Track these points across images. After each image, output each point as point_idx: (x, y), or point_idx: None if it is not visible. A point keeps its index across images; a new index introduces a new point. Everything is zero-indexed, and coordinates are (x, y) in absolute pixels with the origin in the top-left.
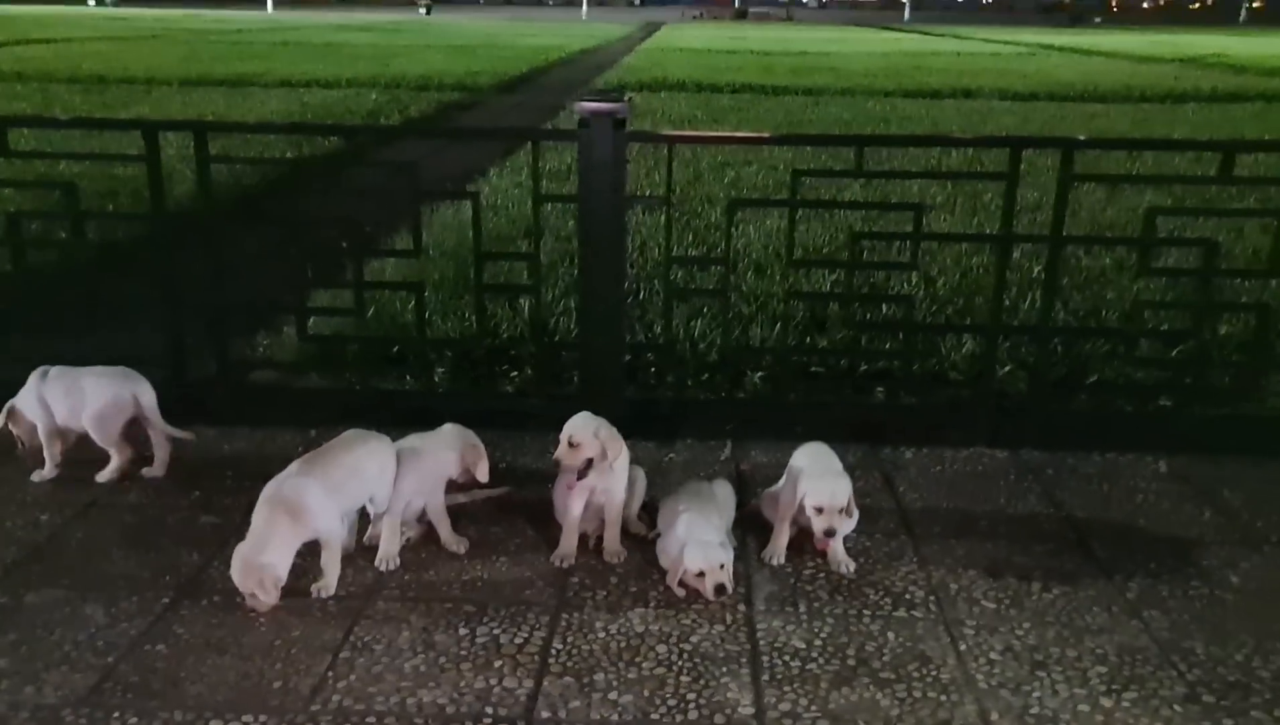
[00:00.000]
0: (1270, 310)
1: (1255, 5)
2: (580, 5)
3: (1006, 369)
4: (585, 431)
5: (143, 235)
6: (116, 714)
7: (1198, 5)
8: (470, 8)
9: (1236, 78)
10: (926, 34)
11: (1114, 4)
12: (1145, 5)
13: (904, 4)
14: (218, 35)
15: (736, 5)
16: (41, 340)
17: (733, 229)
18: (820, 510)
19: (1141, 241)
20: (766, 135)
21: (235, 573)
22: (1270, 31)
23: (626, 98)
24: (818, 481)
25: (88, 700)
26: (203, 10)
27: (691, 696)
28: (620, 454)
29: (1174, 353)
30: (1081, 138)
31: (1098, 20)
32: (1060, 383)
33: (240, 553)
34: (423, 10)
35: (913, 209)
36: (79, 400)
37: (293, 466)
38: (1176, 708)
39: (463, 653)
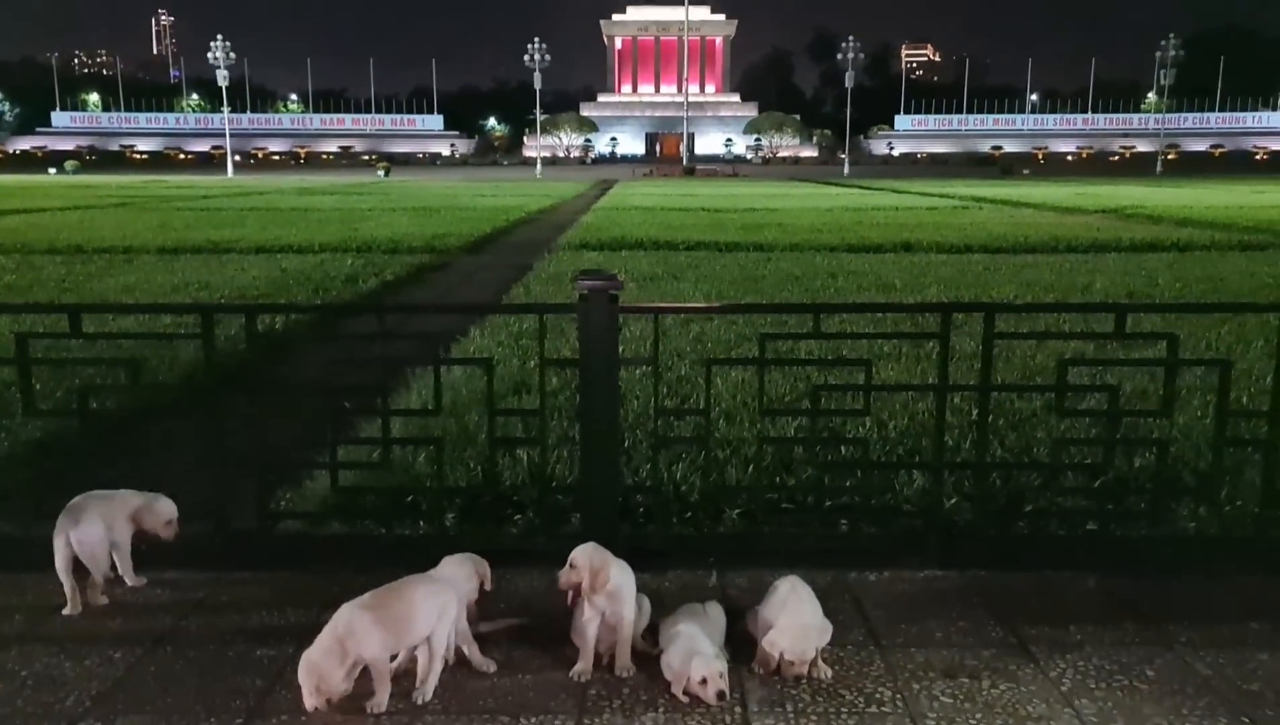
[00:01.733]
0: (1168, 445)
1: (1170, 157)
2: (535, 165)
3: (953, 501)
4: (581, 557)
5: (189, 402)
6: None
7: (1117, 157)
8: (426, 168)
9: (1153, 227)
10: (866, 189)
11: (1040, 156)
12: (1070, 158)
13: (843, 160)
14: (184, 202)
15: (684, 162)
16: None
17: (705, 381)
18: (792, 663)
19: (1055, 388)
20: (742, 304)
21: (299, 671)
22: (1183, 182)
23: (618, 277)
24: (788, 638)
25: None
26: (165, 176)
27: None
28: (607, 581)
29: (1096, 483)
30: (1002, 301)
31: (1026, 172)
32: (1001, 511)
33: (305, 655)
34: (381, 172)
35: (863, 364)
36: None
37: (364, 597)
38: None
39: None
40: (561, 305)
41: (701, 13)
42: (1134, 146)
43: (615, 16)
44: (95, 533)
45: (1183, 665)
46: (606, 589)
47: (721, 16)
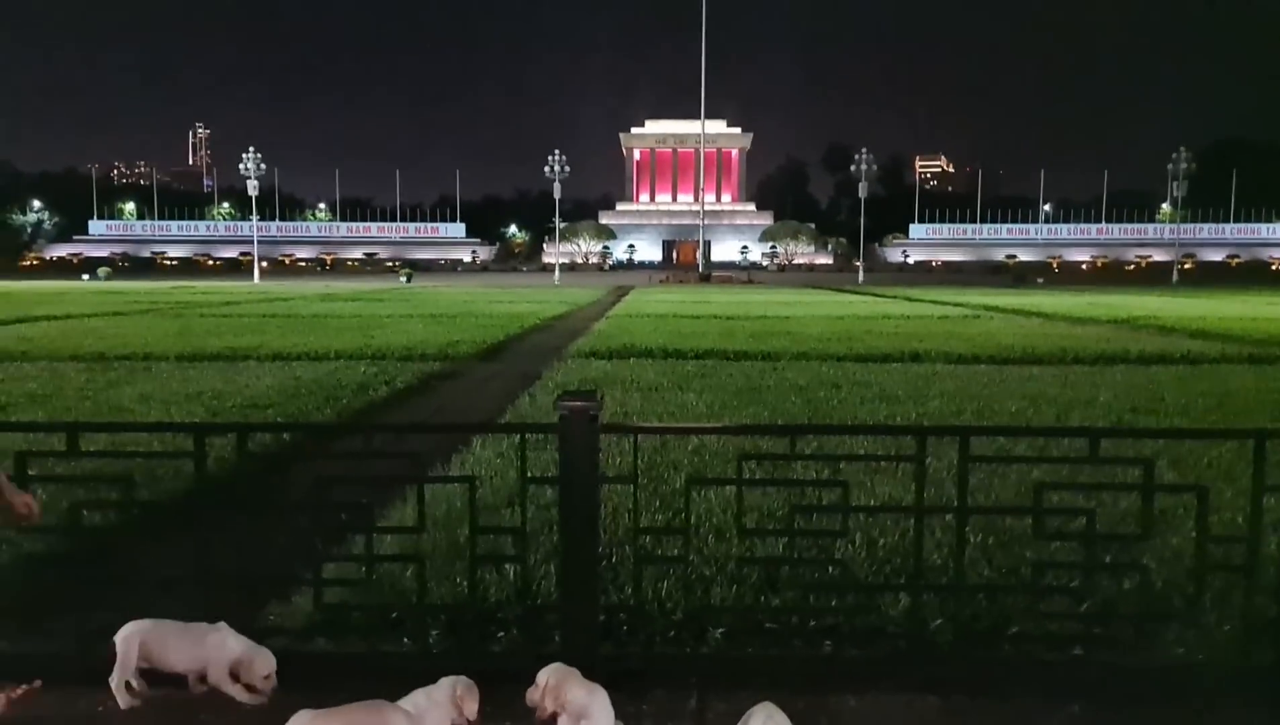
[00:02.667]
0: (1148, 570)
1: (1186, 266)
2: (553, 271)
3: (937, 623)
4: (541, 676)
5: (180, 520)
6: None
7: (1133, 266)
8: (448, 274)
9: (1163, 339)
10: (879, 296)
11: (1055, 265)
12: (1084, 266)
13: (858, 267)
14: (208, 308)
15: (700, 269)
16: (93, 613)
17: (694, 496)
18: None
19: (1033, 511)
20: (719, 426)
21: None
22: (1199, 292)
23: (599, 396)
24: None
25: None
26: (192, 282)
27: None
28: (564, 700)
29: (1081, 607)
30: (978, 423)
31: (1040, 281)
32: (985, 634)
33: None
34: (403, 279)
35: (840, 485)
36: None
37: (309, 713)
38: None
39: None
40: (543, 425)
41: (718, 126)
42: (1150, 256)
43: (634, 130)
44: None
45: None
46: (573, 710)
47: (738, 130)
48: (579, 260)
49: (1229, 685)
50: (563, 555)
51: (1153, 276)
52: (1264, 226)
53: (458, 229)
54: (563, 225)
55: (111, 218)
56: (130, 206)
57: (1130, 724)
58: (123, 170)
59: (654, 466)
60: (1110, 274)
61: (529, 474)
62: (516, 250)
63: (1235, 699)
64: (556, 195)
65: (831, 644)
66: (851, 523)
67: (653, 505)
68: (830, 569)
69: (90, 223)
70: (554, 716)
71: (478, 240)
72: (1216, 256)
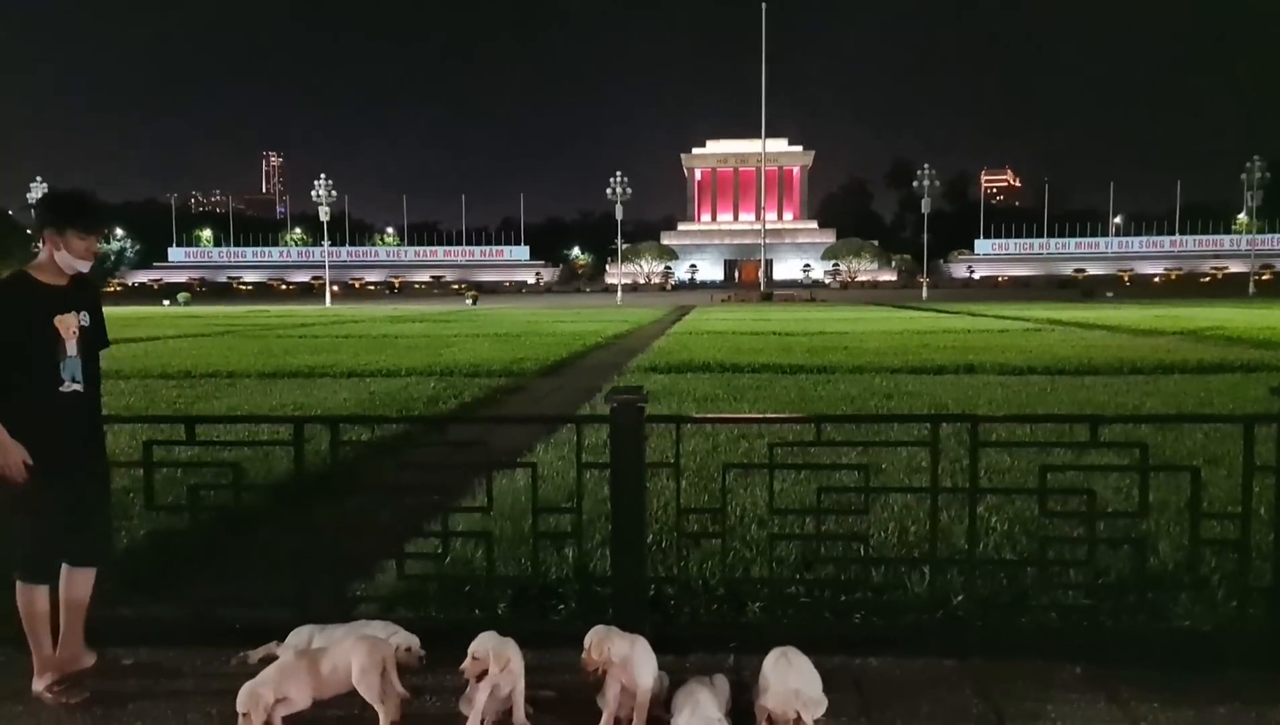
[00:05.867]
0: (1144, 544)
1: (1264, 277)
2: (616, 291)
3: (959, 598)
4: (587, 639)
5: (280, 503)
6: None
7: (1208, 279)
8: (512, 296)
9: (1227, 349)
10: (941, 312)
11: (1126, 278)
12: (1157, 280)
13: (922, 283)
14: (284, 330)
15: (762, 288)
16: (203, 585)
17: (739, 487)
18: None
19: (1038, 491)
20: (753, 416)
21: None
22: (1276, 303)
23: (644, 391)
24: (772, 699)
25: None
26: (267, 306)
27: None
28: (610, 656)
29: (1097, 580)
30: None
31: (1109, 294)
32: (1004, 606)
33: None
34: (469, 300)
35: (860, 469)
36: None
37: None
38: None
39: None
40: (595, 416)
41: (779, 145)
42: (1226, 267)
43: (695, 150)
44: None
45: None
46: (617, 658)
47: (799, 148)
48: (641, 281)
49: (1227, 651)
50: (613, 533)
51: (1229, 288)
52: None
53: (522, 251)
54: (625, 246)
55: (190, 245)
56: (207, 234)
57: (1126, 683)
58: (200, 199)
59: (704, 464)
60: (1184, 287)
61: (584, 460)
62: (579, 271)
63: (1230, 663)
64: (619, 216)
65: (861, 616)
66: (880, 507)
67: (701, 496)
68: (856, 547)
69: (170, 250)
70: (604, 674)
71: (541, 262)
72: None
